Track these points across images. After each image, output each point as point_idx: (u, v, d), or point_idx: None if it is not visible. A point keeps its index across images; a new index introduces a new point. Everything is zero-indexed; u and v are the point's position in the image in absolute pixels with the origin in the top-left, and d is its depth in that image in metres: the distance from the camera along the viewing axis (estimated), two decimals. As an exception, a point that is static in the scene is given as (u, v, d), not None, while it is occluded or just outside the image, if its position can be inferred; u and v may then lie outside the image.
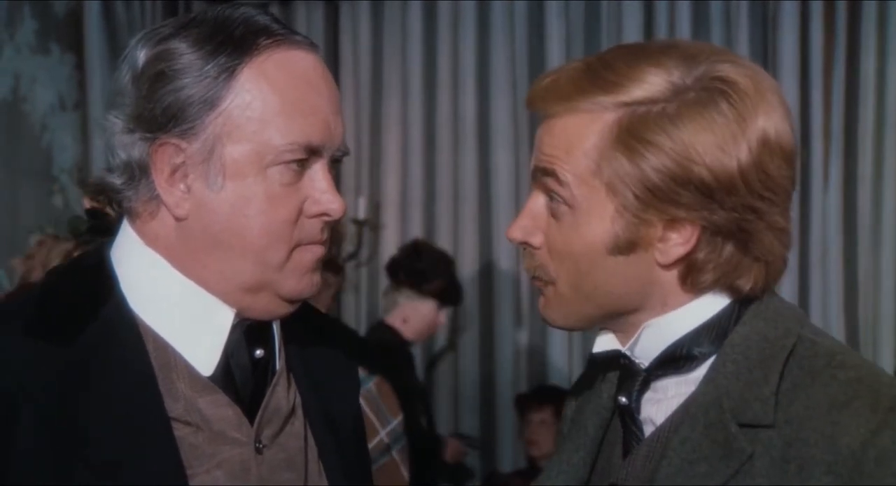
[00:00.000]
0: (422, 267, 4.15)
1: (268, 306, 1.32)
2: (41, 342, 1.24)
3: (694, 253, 1.27)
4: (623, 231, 1.27)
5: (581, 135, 1.27)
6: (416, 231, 4.95)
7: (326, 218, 1.32)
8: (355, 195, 5.06)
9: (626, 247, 1.27)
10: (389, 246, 4.98)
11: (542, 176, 1.31)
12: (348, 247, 5.13)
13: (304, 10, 5.20)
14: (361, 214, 5.00)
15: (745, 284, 1.28)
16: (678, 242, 1.26)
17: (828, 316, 4.31)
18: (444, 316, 4.16)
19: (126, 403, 1.24)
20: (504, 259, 4.83)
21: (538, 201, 1.33)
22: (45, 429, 1.21)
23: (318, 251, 1.32)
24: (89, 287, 1.30)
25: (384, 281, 4.45)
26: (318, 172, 1.31)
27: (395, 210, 5.04)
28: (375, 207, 5.07)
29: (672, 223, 1.26)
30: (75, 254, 2.24)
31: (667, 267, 1.28)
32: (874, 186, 4.28)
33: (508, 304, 4.83)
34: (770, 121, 1.25)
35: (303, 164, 1.29)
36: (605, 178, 1.26)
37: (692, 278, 1.28)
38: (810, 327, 1.31)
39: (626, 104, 1.25)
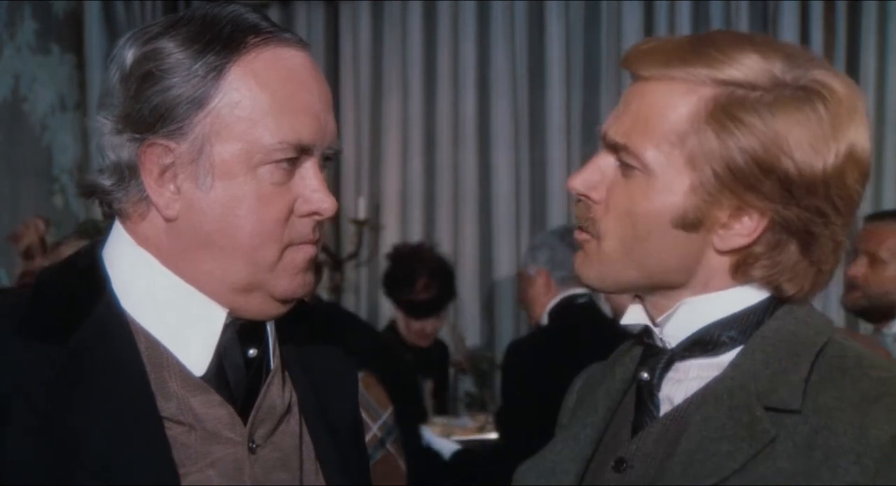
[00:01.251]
0: (392, 275, 4.14)
1: (260, 307, 1.31)
2: (34, 342, 1.24)
3: (753, 246, 1.28)
4: (692, 208, 1.27)
5: (672, 103, 1.27)
6: (416, 231, 4.95)
7: (318, 217, 1.31)
8: (355, 195, 5.07)
9: (690, 224, 1.28)
10: (389, 246, 4.98)
11: (612, 146, 1.32)
12: (348, 247, 5.13)
13: (305, 10, 5.21)
14: (361, 214, 5.00)
15: (792, 288, 1.29)
16: (741, 232, 1.27)
17: (828, 315, 4.30)
18: (421, 325, 4.11)
19: (118, 402, 1.24)
20: (504, 259, 4.84)
21: (608, 160, 1.33)
22: (38, 429, 1.20)
23: (309, 251, 1.31)
24: (81, 287, 1.30)
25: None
26: (309, 171, 1.29)
27: (395, 210, 5.05)
28: (375, 207, 5.07)
29: (739, 212, 1.27)
30: None
31: (722, 253, 1.29)
32: (874, 186, 4.28)
33: (508, 303, 4.83)
34: (859, 135, 1.27)
35: (293, 162, 1.28)
36: (688, 150, 1.26)
37: (744, 269, 1.29)
38: (840, 333, 1.33)
39: (725, 83, 1.25)
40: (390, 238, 5.03)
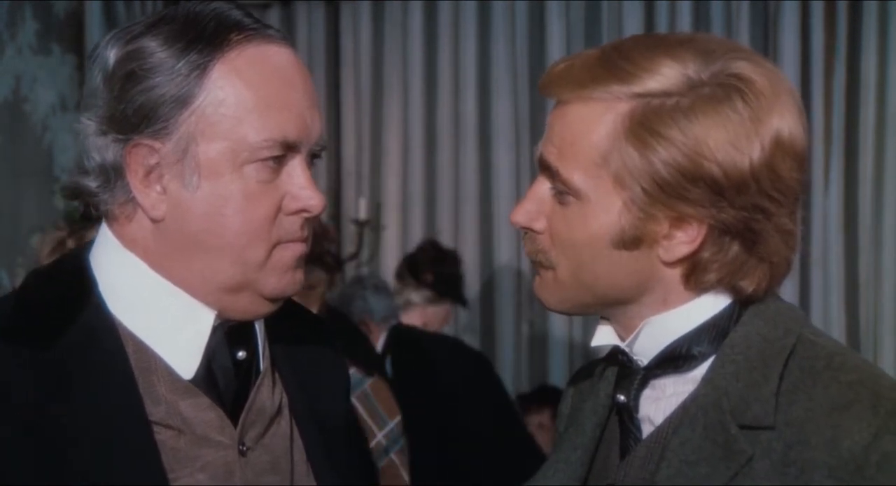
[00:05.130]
0: (455, 274, 4.22)
1: (250, 306, 1.31)
2: (19, 347, 1.23)
3: (699, 252, 1.26)
4: (629, 226, 1.25)
5: (592, 124, 1.25)
6: (417, 232, 4.95)
7: (306, 214, 1.29)
8: (356, 196, 5.07)
9: (630, 242, 1.26)
10: (390, 246, 5.00)
11: (546, 169, 1.30)
12: (349, 247, 5.14)
13: (305, 10, 5.21)
14: (362, 214, 5.00)
15: (749, 285, 1.27)
16: (683, 240, 1.26)
17: (829, 316, 4.30)
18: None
19: (106, 407, 1.23)
20: (505, 259, 4.83)
21: (544, 186, 1.32)
22: (24, 434, 1.20)
23: (298, 249, 1.30)
24: (68, 291, 1.29)
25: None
26: (297, 168, 1.28)
27: (395, 210, 5.05)
28: (376, 207, 5.07)
29: (678, 222, 1.25)
30: (69, 242, 2.23)
31: (670, 265, 1.27)
32: (875, 186, 4.27)
33: (509, 303, 4.83)
34: (784, 122, 1.24)
35: (280, 160, 1.27)
36: (613, 169, 1.24)
37: (696, 277, 1.27)
38: (810, 328, 1.31)
39: (640, 95, 1.23)
40: (391, 238, 5.04)
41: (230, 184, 1.25)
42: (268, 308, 1.32)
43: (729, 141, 1.22)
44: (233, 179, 1.25)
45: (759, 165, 1.23)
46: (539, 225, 1.32)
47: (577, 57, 1.30)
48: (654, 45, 1.27)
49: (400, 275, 4.24)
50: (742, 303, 1.30)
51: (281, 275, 1.30)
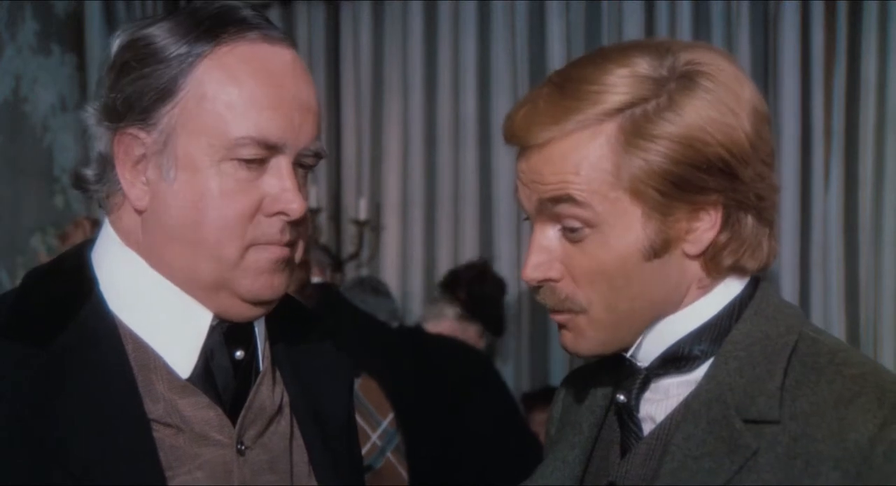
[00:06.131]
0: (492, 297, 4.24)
1: (231, 307, 1.29)
2: (17, 344, 1.23)
3: (717, 236, 1.27)
4: (655, 233, 1.26)
5: (585, 152, 1.25)
6: (417, 232, 4.95)
7: (284, 217, 1.27)
8: (356, 196, 5.07)
9: (660, 248, 1.26)
10: (390, 247, 5.00)
11: (554, 205, 1.27)
12: (349, 247, 5.14)
13: (305, 10, 5.21)
14: (362, 214, 5.00)
15: (753, 262, 1.29)
16: (706, 228, 1.27)
17: (829, 317, 4.29)
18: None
19: (104, 404, 1.23)
20: (504, 260, 4.83)
21: (546, 234, 1.29)
22: (21, 431, 1.20)
23: (276, 252, 1.28)
24: (68, 288, 1.29)
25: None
26: (281, 170, 1.27)
27: (395, 211, 5.05)
28: (376, 207, 5.07)
29: (695, 212, 1.26)
30: None
31: (695, 257, 1.28)
32: (875, 187, 4.26)
33: (509, 304, 4.82)
34: (751, 91, 1.28)
35: (262, 159, 1.26)
36: (626, 183, 1.24)
37: (715, 262, 1.29)
38: (811, 326, 1.32)
39: (620, 110, 1.24)
40: (391, 239, 5.04)
41: (207, 179, 1.25)
42: (252, 311, 1.31)
43: (719, 119, 1.24)
44: (210, 174, 1.24)
45: (750, 134, 1.26)
46: (555, 273, 1.29)
47: (534, 98, 1.29)
48: (601, 61, 1.28)
49: (442, 286, 4.25)
50: (741, 303, 1.31)
51: (255, 277, 1.28)
